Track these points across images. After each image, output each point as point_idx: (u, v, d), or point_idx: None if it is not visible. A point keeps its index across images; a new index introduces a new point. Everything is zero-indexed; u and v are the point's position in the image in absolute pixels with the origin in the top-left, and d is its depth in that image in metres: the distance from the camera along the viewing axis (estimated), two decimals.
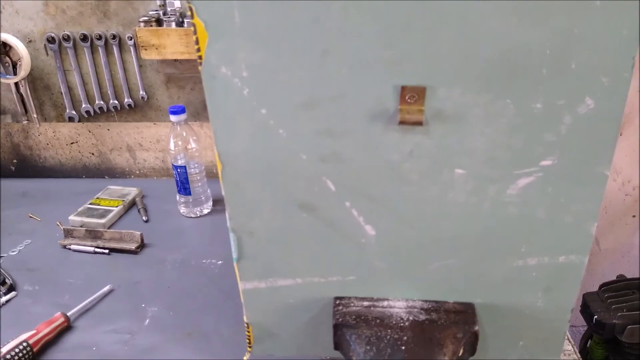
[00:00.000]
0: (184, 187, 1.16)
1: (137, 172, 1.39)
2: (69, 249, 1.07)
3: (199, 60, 0.45)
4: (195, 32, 0.43)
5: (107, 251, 1.06)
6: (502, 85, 0.43)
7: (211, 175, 1.29)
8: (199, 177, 1.17)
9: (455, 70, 0.43)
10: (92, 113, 1.36)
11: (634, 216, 1.39)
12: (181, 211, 1.20)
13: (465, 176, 0.49)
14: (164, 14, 1.21)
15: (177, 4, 1.20)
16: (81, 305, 0.89)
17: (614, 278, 1.33)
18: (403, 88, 0.44)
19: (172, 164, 1.15)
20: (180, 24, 1.20)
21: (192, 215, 1.19)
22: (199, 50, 0.44)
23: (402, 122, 0.46)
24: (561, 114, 0.44)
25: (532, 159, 0.47)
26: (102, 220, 1.14)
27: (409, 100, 0.45)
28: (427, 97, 0.45)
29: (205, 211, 1.20)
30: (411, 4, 0.41)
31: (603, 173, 0.46)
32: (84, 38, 1.27)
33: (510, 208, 0.49)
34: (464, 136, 0.46)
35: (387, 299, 0.57)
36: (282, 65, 0.45)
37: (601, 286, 1.29)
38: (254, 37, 0.44)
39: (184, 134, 1.13)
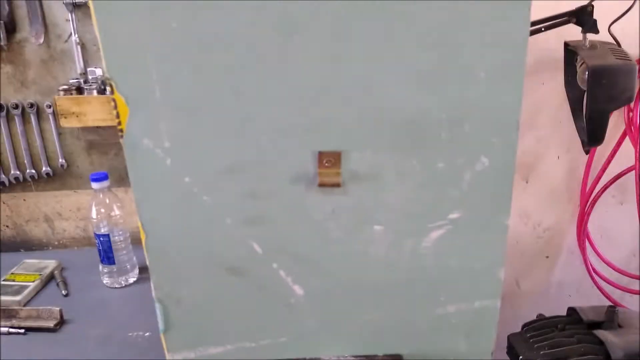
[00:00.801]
0: (107, 256, 1.11)
1: (56, 242, 1.32)
2: None
3: (120, 133, 0.46)
4: (115, 107, 0.44)
5: (22, 331, 0.98)
6: (409, 147, 0.48)
7: (137, 241, 1.25)
8: (123, 245, 1.13)
9: (366, 134, 0.47)
10: (7, 183, 1.29)
11: (547, 257, 1.49)
12: (105, 282, 1.15)
13: (384, 231, 0.52)
14: (85, 82, 1.20)
15: (99, 72, 1.20)
16: None
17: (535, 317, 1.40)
18: (320, 154, 0.47)
19: (95, 233, 1.11)
20: (102, 91, 1.20)
21: (117, 286, 1.14)
22: (119, 124, 0.45)
23: (321, 185, 0.49)
24: (461, 172, 0.49)
25: (441, 212, 0.51)
26: (18, 298, 1.06)
27: (326, 164, 0.48)
28: (343, 160, 0.48)
29: (131, 280, 1.16)
30: (323, 76, 0.45)
31: (503, 222, 0.51)
32: (0, 107, 1.23)
33: (426, 259, 0.53)
34: (379, 194, 0.50)
35: (320, 358, 0.58)
36: (204, 133, 0.47)
37: (523, 326, 1.36)
38: (176, 109, 0.46)
39: (107, 201, 1.10)
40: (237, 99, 0.46)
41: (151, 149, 0.46)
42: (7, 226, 1.29)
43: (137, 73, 0.44)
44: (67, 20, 1.17)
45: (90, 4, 0.41)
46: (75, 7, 1.16)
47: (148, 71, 0.44)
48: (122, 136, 0.46)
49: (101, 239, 1.10)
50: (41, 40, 1.18)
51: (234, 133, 0.47)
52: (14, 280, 1.13)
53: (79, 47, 1.18)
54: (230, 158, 0.48)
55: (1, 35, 1.15)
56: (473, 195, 0.50)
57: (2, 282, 1.13)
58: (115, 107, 0.44)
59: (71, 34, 1.17)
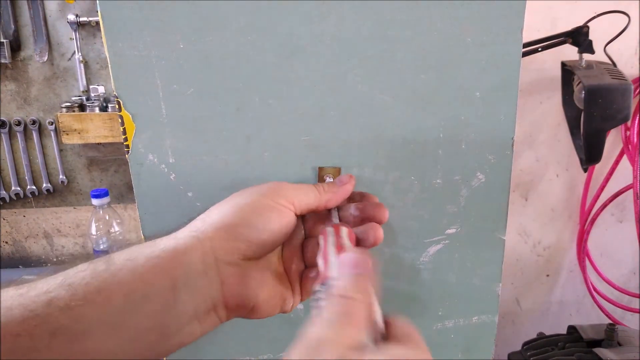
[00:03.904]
0: None
1: (55, 259, 1.32)
2: None
3: (126, 149, 0.47)
4: (122, 124, 0.45)
5: None
6: (407, 164, 0.49)
7: None
8: None
9: (366, 152, 0.49)
10: (7, 200, 1.30)
11: (547, 275, 1.49)
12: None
13: (382, 247, 0.53)
14: (87, 99, 1.21)
15: (101, 90, 1.21)
16: None
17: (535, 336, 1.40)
18: (320, 169, 0.48)
19: (94, 249, 1.11)
20: (104, 108, 1.21)
21: None
22: (126, 139, 0.46)
23: None
24: (458, 188, 0.50)
25: (439, 228, 0.52)
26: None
27: (326, 178, 0.49)
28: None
29: None
30: (324, 96, 0.47)
31: (500, 238, 0.52)
32: (2, 124, 1.24)
33: (424, 274, 0.53)
34: None
35: None
36: (208, 150, 0.48)
37: (524, 345, 1.35)
38: (181, 126, 0.47)
39: (107, 217, 1.11)
40: (240, 117, 0.47)
41: (156, 165, 0.47)
42: (7, 242, 1.29)
43: (144, 91, 0.45)
44: (71, 38, 1.19)
45: (101, 23, 0.43)
46: (79, 26, 1.18)
47: (155, 89, 0.45)
48: (128, 152, 0.47)
49: (100, 255, 1.10)
50: (45, 58, 1.20)
51: (236, 150, 0.48)
52: None
53: (81, 65, 1.20)
54: (232, 174, 0.49)
55: (6, 53, 1.17)
56: (470, 210, 0.51)
57: None
58: (122, 124, 0.45)
59: (74, 52, 1.19)
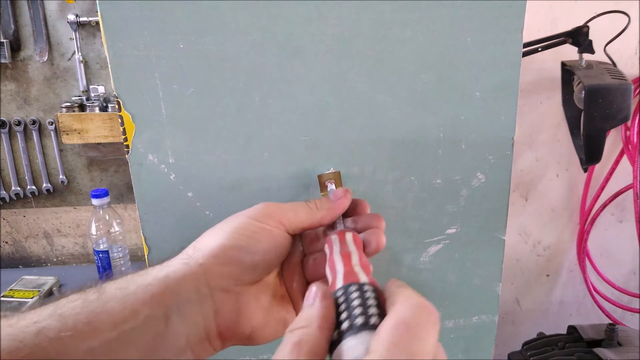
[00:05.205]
0: (106, 272, 1.12)
1: (55, 259, 1.32)
2: None
3: (125, 149, 0.47)
4: (122, 124, 0.45)
5: None
6: (407, 164, 0.49)
7: (135, 258, 1.25)
8: (122, 262, 1.13)
9: (366, 152, 0.49)
10: (7, 200, 1.30)
11: (547, 275, 1.49)
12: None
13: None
14: (87, 99, 1.21)
15: (101, 90, 1.21)
16: None
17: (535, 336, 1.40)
18: (320, 176, 0.48)
19: (94, 249, 1.11)
20: (104, 108, 1.21)
21: None
22: (126, 139, 0.46)
23: None
24: (458, 188, 0.49)
25: (439, 228, 0.52)
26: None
27: (327, 184, 0.49)
28: (344, 179, 0.49)
29: None
30: (324, 96, 0.46)
31: (500, 238, 0.52)
32: (2, 124, 1.24)
33: (424, 274, 0.53)
34: (379, 210, 0.51)
35: None
36: (208, 150, 0.48)
37: (523, 345, 1.35)
38: (181, 126, 0.47)
39: (107, 218, 1.11)
40: (240, 117, 0.47)
41: (156, 165, 0.47)
42: (7, 242, 1.29)
43: (144, 91, 0.45)
44: (71, 38, 1.19)
45: (101, 23, 0.43)
46: (79, 26, 1.18)
47: (155, 89, 0.45)
48: (128, 152, 0.47)
49: (100, 255, 1.11)
50: (45, 58, 1.20)
51: (236, 150, 0.48)
52: (12, 297, 1.13)
53: (81, 65, 1.20)
54: (232, 175, 0.49)
55: (6, 53, 1.17)
56: (470, 210, 0.51)
57: (1, 299, 1.13)
58: (122, 124, 0.45)
59: (74, 52, 1.19)
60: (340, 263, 0.33)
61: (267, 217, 0.38)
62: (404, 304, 0.26)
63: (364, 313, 0.27)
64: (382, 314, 0.28)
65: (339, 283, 0.31)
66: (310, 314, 0.28)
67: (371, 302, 0.28)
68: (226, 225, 0.38)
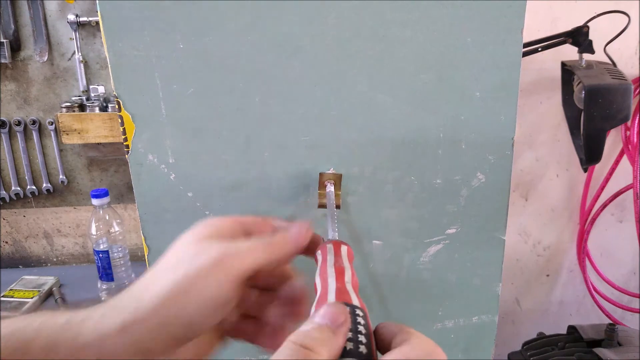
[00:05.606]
0: (106, 272, 1.11)
1: (55, 259, 1.32)
2: None
3: (125, 149, 0.47)
4: (122, 124, 0.45)
5: None
6: (407, 164, 0.49)
7: (136, 258, 1.25)
8: (122, 262, 1.13)
9: (366, 152, 0.48)
10: (7, 200, 1.30)
11: (547, 275, 1.49)
12: (103, 299, 1.15)
13: (383, 246, 0.52)
14: (87, 99, 1.21)
15: (101, 90, 1.21)
16: None
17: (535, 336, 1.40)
18: (321, 175, 0.48)
19: (94, 249, 1.11)
20: (104, 108, 1.21)
21: None
22: (126, 139, 0.46)
23: (320, 206, 0.49)
24: (458, 188, 0.49)
25: (439, 228, 0.51)
26: (16, 314, 1.06)
27: (327, 184, 0.49)
28: (344, 180, 0.49)
29: None
30: (324, 96, 0.46)
31: (500, 238, 0.52)
32: (2, 124, 1.24)
33: (424, 274, 0.53)
34: (379, 210, 0.51)
35: None
36: (208, 150, 0.48)
37: (524, 345, 1.35)
38: (181, 126, 0.47)
39: (107, 217, 1.11)
40: (240, 118, 0.47)
41: (156, 165, 0.47)
42: (7, 242, 1.29)
43: (144, 91, 0.45)
44: (71, 38, 1.19)
45: (101, 23, 0.43)
46: (79, 26, 1.18)
47: (155, 89, 0.45)
48: (128, 152, 0.47)
49: (100, 255, 1.11)
50: (45, 58, 1.20)
51: (236, 151, 0.48)
52: (12, 297, 1.13)
53: (82, 65, 1.20)
54: (232, 175, 0.49)
55: (6, 53, 1.17)
56: (470, 210, 0.51)
57: (1, 298, 1.13)
58: (122, 124, 0.45)
59: (74, 52, 1.19)
60: (333, 277, 0.32)
61: (216, 268, 0.32)
62: (416, 344, 0.26)
63: (354, 339, 0.27)
64: (369, 343, 0.27)
65: (331, 299, 0.30)
66: (329, 340, 0.26)
67: (361, 328, 0.28)
68: (167, 280, 0.33)
